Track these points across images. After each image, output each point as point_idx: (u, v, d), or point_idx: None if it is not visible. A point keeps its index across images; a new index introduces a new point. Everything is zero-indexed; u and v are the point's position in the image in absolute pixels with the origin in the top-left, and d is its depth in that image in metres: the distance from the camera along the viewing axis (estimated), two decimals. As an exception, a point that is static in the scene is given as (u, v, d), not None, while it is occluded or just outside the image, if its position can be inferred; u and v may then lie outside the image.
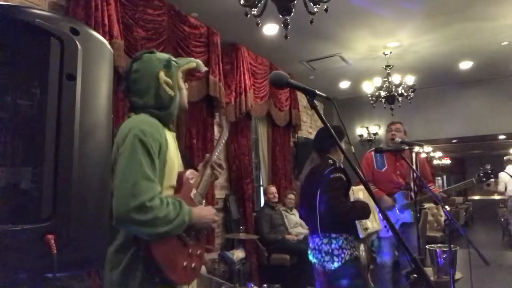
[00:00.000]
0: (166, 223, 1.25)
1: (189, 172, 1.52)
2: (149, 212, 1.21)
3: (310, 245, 2.46)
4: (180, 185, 1.45)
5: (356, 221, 2.36)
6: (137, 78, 1.47)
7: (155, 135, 1.34)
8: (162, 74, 1.46)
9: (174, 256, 1.34)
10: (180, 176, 1.47)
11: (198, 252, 1.47)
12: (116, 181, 1.23)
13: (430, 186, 3.34)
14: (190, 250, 1.41)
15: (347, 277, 2.28)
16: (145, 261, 1.28)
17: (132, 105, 1.49)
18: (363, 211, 2.33)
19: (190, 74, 1.62)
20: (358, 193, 2.50)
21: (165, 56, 1.54)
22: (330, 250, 2.31)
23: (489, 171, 3.23)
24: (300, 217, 2.80)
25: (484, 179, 3.24)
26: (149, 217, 1.21)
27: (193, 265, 1.41)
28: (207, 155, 1.69)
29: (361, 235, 2.36)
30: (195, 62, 1.60)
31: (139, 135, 1.29)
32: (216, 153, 1.69)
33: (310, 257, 2.46)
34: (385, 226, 2.81)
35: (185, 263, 1.37)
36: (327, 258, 2.32)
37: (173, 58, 1.56)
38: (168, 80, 1.47)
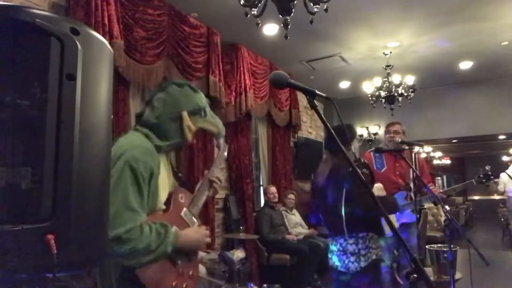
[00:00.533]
0: (146, 254, 1.24)
1: (180, 191, 1.50)
2: (126, 244, 1.20)
3: (333, 247, 2.37)
4: (169, 205, 1.43)
5: (383, 218, 2.34)
6: (164, 99, 1.46)
7: (147, 162, 1.31)
8: (186, 115, 1.45)
9: (161, 276, 1.31)
10: (170, 195, 1.45)
11: (190, 272, 1.44)
12: None
13: (429, 186, 3.33)
14: (180, 270, 1.38)
15: (372, 277, 2.25)
16: (135, 282, 1.26)
17: (140, 116, 1.48)
18: (394, 204, 2.32)
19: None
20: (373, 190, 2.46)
21: (202, 103, 1.52)
22: (356, 250, 2.24)
23: (489, 172, 3.23)
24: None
25: (484, 180, 3.24)
26: (126, 249, 1.20)
27: (184, 285, 1.39)
28: (206, 171, 1.69)
29: (386, 231, 2.33)
30: (218, 130, 1.60)
31: (130, 162, 1.27)
32: (214, 170, 1.69)
33: (331, 261, 2.37)
34: (385, 226, 2.81)
35: (174, 283, 1.34)
36: (352, 259, 2.25)
37: (207, 109, 1.54)
38: (191, 125, 1.47)
